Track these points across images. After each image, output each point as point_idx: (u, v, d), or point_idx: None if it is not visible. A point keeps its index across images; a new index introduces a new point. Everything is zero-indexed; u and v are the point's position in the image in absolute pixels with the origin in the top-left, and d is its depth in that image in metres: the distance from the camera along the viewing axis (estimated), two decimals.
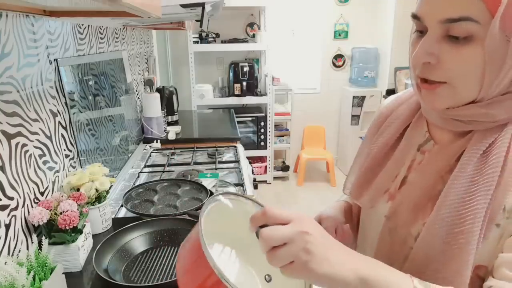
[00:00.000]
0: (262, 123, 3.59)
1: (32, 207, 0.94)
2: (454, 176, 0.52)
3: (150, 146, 2.07)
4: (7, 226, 0.84)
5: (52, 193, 1.05)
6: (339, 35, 3.89)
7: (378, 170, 0.65)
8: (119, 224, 1.09)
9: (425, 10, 0.50)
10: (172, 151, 2.00)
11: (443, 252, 0.51)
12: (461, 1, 0.46)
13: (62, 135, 1.12)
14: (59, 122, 1.11)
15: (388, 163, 0.64)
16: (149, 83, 2.09)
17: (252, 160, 3.51)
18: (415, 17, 0.52)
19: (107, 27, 1.62)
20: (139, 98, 2.22)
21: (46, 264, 0.76)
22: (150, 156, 1.92)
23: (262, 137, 3.65)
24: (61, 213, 0.90)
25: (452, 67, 0.49)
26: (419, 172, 0.60)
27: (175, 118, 2.49)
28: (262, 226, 0.46)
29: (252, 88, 3.51)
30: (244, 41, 3.59)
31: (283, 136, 3.90)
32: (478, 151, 0.51)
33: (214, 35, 3.52)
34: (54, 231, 0.90)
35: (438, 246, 0.51)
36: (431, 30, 0.50)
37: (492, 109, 0.50)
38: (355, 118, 3.85)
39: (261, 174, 3.77)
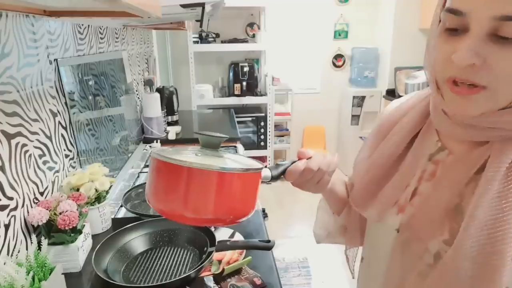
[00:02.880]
0: (262, 123, 3.59)
1: (32, 207, 0.94)
2: (480, 194, 0.48)
3: (150, 146, 2.07)
4: (7, 226, 0.83)
5: (52, 193, 1.05)
6: (339, 35, 3.88)
7: (384, 181, 0.62)
8: (118, 224, 1.08)
9: (472, 4, 0.44)
10: None
11: (474, 273, 0.48)
12: None
13: (62, 135, 1.12)
14: (59, 122, 1.11)
15: (396, 174, 0.60)
16: (149, 83, 2.09)
17: None
18: (454, 12, 0.46)
19: (107, 27, 1.62)
20: (139, 98, 2.22)
21: (46, 265, 0.76)
22: (150, 156, 1.91)
23: (262, 137, 3.65)
24: (60, 213, 0.90)
25: (499, 70, 0.44)
26: (433, 184, 0.56)
27: (175, 118, 2.48)
28: None
29: (252, 88, 3.51)
30: (244, 41, 3.59)
31: (283, 136, 3.90)
32: (503, 164, 0.48)
33: (214, 35, 3.52)
34: (54, 232, 0.90)
35: (468, 267, 0.48)
36: (476, 27, 0.44)
37: None
38: (355, 118, 3.85)
39: None
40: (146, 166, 1.76)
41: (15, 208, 0.87)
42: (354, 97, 3.78)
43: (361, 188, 0.65)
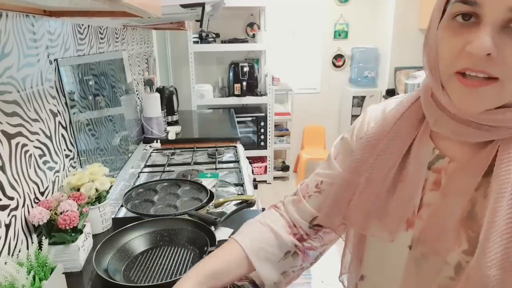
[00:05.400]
0: (262, 123, 3.59)
1: (32, 207, 0.94)
2: (495, 199, 0.47)
3: (150, 146, 2.07)
4: (7, 226, 0.84)
5: (52, 193, 1.05)
6: (339, 35, 3.89)
7: (388, 195, 0.59)
8: (119, 224, 1.09)
9: None
10: (172, 151, 2.00)
11: (502, 280, 0.47)
12: None
13: (62, 135, 1.12)
14: (59, 122, 1.11)
15: (399, 186, 0.58)
16: (149, 83, 2.09)
17: (252, 160, 3.52)
18: (467, 1, 0.45)
19: (107, 27, 1.62)
20: (139, 98, 2.22)
21: (46, 264, 0.76)
22: (150, 156, 1.92)
23: (262, 137, 3.65)
24: (61, 213, 0.90)
25: (511, 62, 0.43)
26: (441, 193, 0.54)
27: (175, 118, 2.49)
28: None
29: (252, 88, 3.51)
30: (244, 41, 3.59)
31: (283, 136, 3.90)
32: (511, 164, 0.47)
33: (214, 35, 3.52)
34: (54, 231, 0.90)
35: (496, 274, 0.47)
36: (491, 18, 0.43)
37: None
38: (355, 118, 3.85)
39: (261, 174, 3.77)
40: (146, 166, 1.76)
41: (16, 208, 0.87)
42: (354, 97, 3.78)
43: (362, 206, 0.62)
